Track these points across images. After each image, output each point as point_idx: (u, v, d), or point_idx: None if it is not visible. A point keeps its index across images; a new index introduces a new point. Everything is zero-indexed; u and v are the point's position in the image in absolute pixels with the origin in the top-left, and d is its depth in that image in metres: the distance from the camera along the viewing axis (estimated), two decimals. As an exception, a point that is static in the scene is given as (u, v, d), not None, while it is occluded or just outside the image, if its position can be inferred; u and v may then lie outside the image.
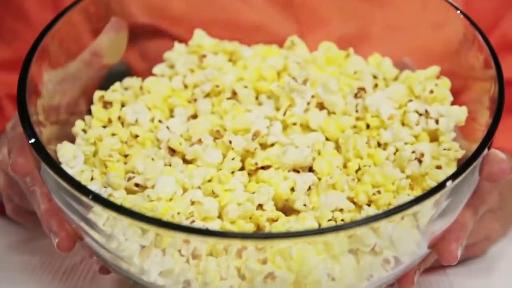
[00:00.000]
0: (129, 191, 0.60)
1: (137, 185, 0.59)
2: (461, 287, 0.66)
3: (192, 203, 0.57)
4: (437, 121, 0.63)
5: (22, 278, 0.66)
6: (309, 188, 0.61)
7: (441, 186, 0.53)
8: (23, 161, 0.58)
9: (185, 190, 0.59)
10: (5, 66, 0.82)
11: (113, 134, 0.64)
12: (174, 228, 0.50)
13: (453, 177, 0.53)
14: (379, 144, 0.64)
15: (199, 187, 0.59)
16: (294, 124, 0.65)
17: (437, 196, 0.53)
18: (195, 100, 0.67)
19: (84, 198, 0.52)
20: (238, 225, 0.58)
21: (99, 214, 0.54)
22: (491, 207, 0.68)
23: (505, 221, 0.74)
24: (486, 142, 0.56)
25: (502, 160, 0.58)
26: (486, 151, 0.56)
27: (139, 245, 0.55)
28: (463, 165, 0.54)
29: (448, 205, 0.56)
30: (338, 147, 0.64)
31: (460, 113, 0.63)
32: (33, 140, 0.55)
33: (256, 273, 0.53)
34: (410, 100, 0.65)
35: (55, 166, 0.53)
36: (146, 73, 0.70)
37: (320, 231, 0.51)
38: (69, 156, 0.61)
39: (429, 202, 0.53)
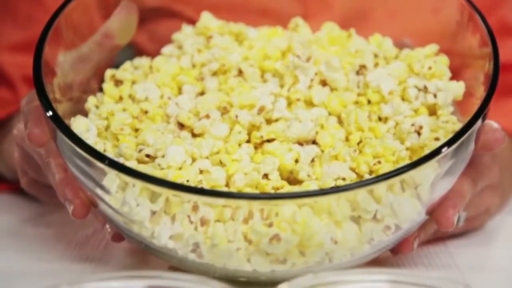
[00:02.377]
0: (140, 162, 0.62)
1: (147, 156, 0.62)
2: (461, 257, 0.69)
3: (201, 172, 0.60)
4: (435, 96, 0.65)
5: (37, 248, 0.68)
6: (313, 160, 0.63)
7: (437, 151, 0.55)
8: (39, 131, 0.61)
9: (194, 159, 0.61)
10: (21, 49, 0.85)
11: (124, 110, 0.67)
12: (185, 189, 0.53)
13: (449, 143, 0.56)
14: (379, 119, 0.66)
15: (207, 157, 0.62)
16: (298, 100, 0.67)
17: (433, 161, 0.55)
18: (202, 78, 0.70)
19: (99, 164, 0.55)
20: (244, 193, 0.60)
21: (113, 180, 0.57)
22: (492, 182, 0.70)
23: (504, 196, 0.76)
24: (482, 110, 0.58)
25: (495, 129, 0.61)
26: (481, 121, 0.59)
27: (149, 211, 0.57)
28: (459, 132, 0.57)
29: (446, 171, 0.58)
30: (340, 122, 0.67)
31: (458, 88, 0.66)
32: (49, 111, 0.58)
33: (262, 235, 0.56)
34: (410, 77, 0.67)
35: (72, 133, 0.56)
36: (155, 54, 0.73)
37: (323, 192, 0.54)
38: (83, 129, 0.63)
39: (425, 167, 0.55)
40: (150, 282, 0.47)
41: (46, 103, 0.59)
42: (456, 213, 0.61)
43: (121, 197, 0.57)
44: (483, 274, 0.66)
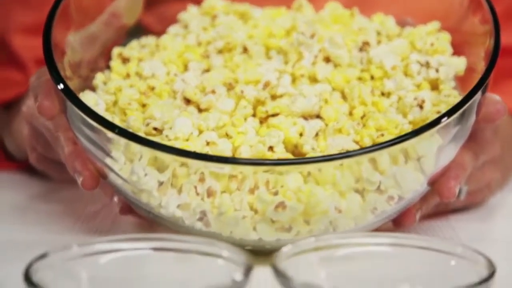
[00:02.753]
0: (147, 135, 0.63)
1: (155, 129, 0.63)
2: (462, 231, 0.70)
3: (207, 143, 0.61)
4: (437, 71, 0.67)
5: (47, 221, 0.70)
6: (317, 134, 0.65)
7: (438, 121, 0.57)
8: (49, 103, 0.62)
9: (200, 132, 0.63)
10: (32, 31, 0.86)
11: (131, 86, 0.68)
12: (192, 156, 0.55)
13: (450, 113, 0.57)
14: (382, 94, 0.67)
15: (213, 130, 0.63)
16: (302, 76, 0.68)
17: (434, 130, 0.56)
18: (208, 56, 0.71)
19: (109, 133, 0.56)
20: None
21: (121, 150, 0.58)
22: (493, 157, 0.72)
23: (505, 172, 0.78)
24: (483, 81, 0.59)
25: (497, 102, 0.62)
26: (481, 93, 0.60)
27: (157, 181, 0.59)
28: (460, 103, 0.58)
29: (448, 143, 0.60)
30: (344, 97, 0.68)
31: (459, 63, 0.67)
32: (60, 83, 0.60)
33: (267, 203, 0.57)
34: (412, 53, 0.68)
35: (82, 103, 0.58)
36: (161, 34, 0.74)
37: (326, 158, 0.55)
38: (91, 103, 0.64)
39: (427, 136, 0.56)
40: (159, 244, 0.48)
41: (56, 75, 0.61)
42: (457, 184, 0.62)
43: (130, 167, 0.59)
44: (485, 246, 0.67)
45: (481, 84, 0.60)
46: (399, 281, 0.46)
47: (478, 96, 0.60)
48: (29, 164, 0.79)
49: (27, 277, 0.42)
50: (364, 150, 0.55)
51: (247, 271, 0.43)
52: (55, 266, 0.45)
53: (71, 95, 0.59)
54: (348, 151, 0.57)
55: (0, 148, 0.87)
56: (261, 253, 0.60)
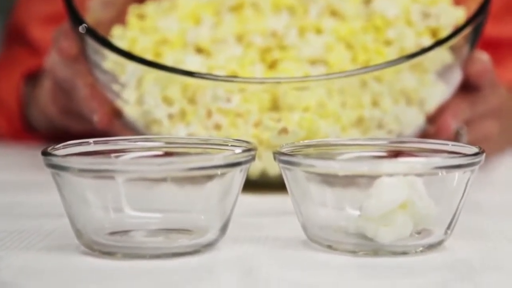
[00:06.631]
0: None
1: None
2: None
3: (216, 81, 0.65)
4: (437, 19, 0.70)
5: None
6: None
7: (430, 48, 0.60)
8: (67, 44, 0.66)
9: (210, 69, 0.66)
10: (51, 21, 0.90)
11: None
12: (199, 76, 0.58)
13: (441, 42, 0.61)
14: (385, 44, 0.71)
15: (222, 68, 0.67)
16: (308, 29, 0.72)
17: (423, 56, 0.60)
18: (220, 13, 0.75)
19: (129, 62, 0.60)
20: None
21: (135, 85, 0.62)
22: (491, 109, 0.74)
23: (506, 132, 0.80)
24: (473, 18, 0.63)
25: (484, 61, 0.66)
26: (473, 32, 0.64)
27: (167, 114, 0.62)
28: (451, 34, 0.62)
29: (442, 77, 0.63)
30: (348, 48, 0.71)
31: (459, 12, 0.71)
32: (80, 23, 0.64)
33: (271, 130, 0.60)
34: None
35: (100, 36, 0.62)
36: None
37: (328, 76, 0.59)
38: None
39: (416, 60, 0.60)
40: (169, 145, 0.51)
41: (74, 17, 0.65)
42: (454, 121, 0.66)
43: (142, 98, 0.63)
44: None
45: (472, 20, 0.63)
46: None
47: (468, 29, 0.63)
48: (49, 135, 0.84)
49: (45, 153, 0.45)
50: (355, 72, 0.59)
51: (250, 149, 0.46)
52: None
53: (90, 31, 0.63)
54: (347, 71, 0.60)
55: (23, 121, 0.91)
56: (265, 185, 0.63)
